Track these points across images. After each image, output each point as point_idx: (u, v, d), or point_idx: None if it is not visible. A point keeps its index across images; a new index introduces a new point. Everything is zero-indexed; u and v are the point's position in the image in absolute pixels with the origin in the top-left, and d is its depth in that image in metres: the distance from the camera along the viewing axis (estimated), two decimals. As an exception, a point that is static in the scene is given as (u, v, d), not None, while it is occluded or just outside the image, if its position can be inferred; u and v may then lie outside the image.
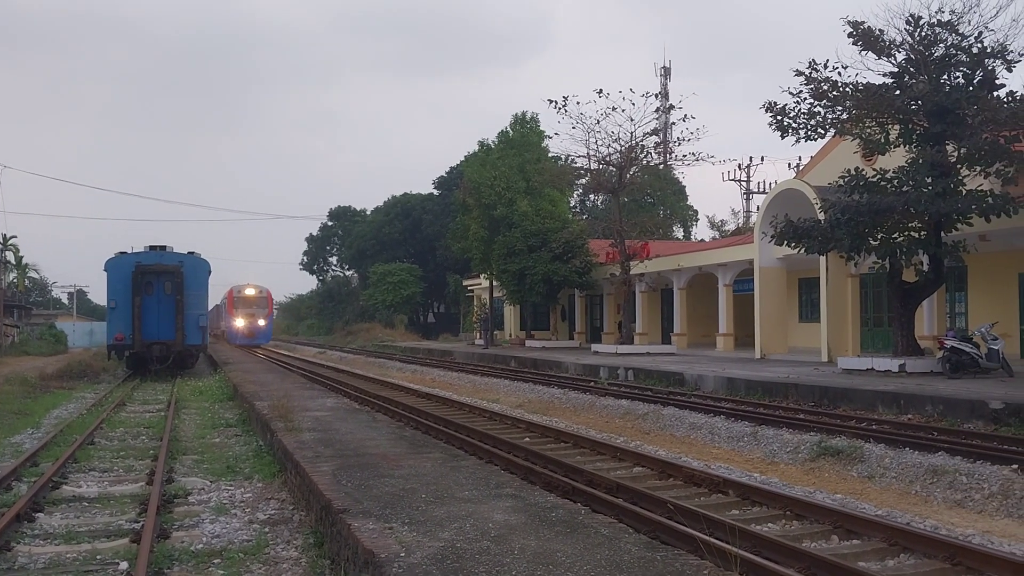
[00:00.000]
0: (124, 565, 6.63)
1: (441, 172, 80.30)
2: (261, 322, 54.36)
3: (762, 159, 72.53)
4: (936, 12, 18.62)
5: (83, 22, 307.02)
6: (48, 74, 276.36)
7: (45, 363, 33.29)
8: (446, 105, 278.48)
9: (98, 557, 6.91)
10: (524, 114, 43.77)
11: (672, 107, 44.58)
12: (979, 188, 18.37)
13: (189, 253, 29.60)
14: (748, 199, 59.50)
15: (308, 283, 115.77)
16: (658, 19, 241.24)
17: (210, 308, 58.09)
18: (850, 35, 19.14)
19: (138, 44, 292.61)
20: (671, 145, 36.98)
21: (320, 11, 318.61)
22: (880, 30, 19.08)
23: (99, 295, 78.66)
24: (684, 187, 65.39)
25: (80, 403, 20.59)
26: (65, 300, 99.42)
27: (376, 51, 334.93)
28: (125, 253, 28.92)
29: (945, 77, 18.68)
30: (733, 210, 78.88)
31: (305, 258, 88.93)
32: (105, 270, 28.29)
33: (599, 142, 33.60)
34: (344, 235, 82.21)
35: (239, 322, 53.54)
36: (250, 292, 54.58)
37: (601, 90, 30.63)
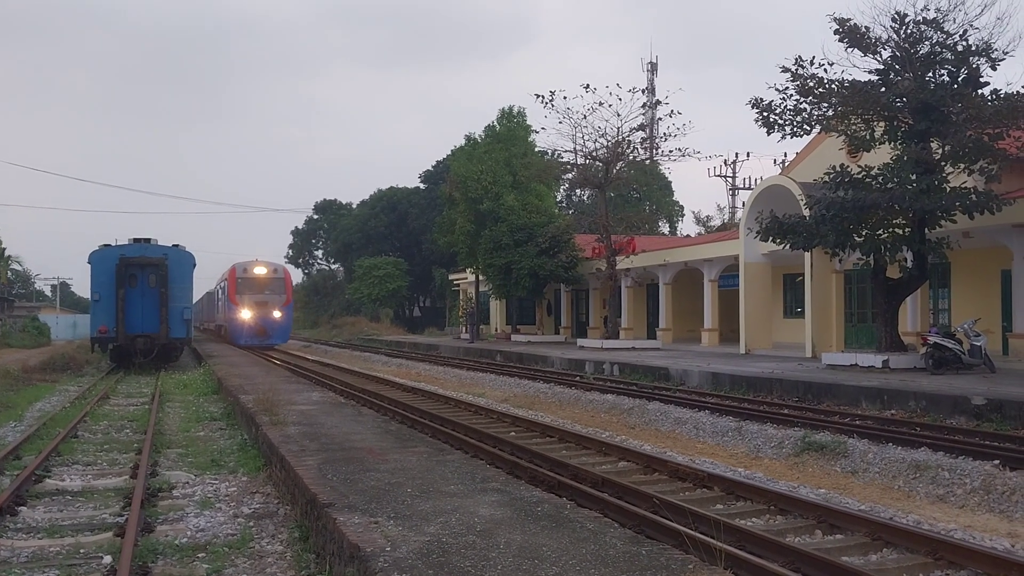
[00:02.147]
0: (108, 559, 6.59)
1: (427, 166, 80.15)
2: (277, 313, 38.95)
3: (748, 155, 73.06)
4: (922, 10, 18.73)
5: (64, 10, 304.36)
6: (29, 63, 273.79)
7: (28, 355, 33.02)
8: (432, 98, 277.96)
9: (81, 551, 6.87)
10: (511, 108, 43.73)
11: (659, 102, 44.83)
12: (963, 185, 18.52)
13: (173, 246, 29.48)
14: (734, 195, 59.73)
15: (293, 276, 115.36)
16: (644, 13, 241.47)
17: (204, 294, 57.44)
18: (836, 32, 19.21)
19: (121, 34, 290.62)
20: (657, 140, 36.94)
21: (305, 1, 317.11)
22: (866, 27, 19.18)
23: (83, 287, 78.03)
24: (670, 182, 65.64)
25: (63, 396, 20.44)
26: (48, 292, 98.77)
27: (361, 43, 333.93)
28: (109, 245, 28.79)
29: (930, 75, 18.80)
30: (719, 206, 79.24)
31: (290, 251, 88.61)
32: (89, 262, 28.19)
33: (586, 137, 33.54)
34: (329, 228, 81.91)
35: (246, 314, 38.36)
36: (260, 271, 39.53)
37: (588, 85, 30.70)
